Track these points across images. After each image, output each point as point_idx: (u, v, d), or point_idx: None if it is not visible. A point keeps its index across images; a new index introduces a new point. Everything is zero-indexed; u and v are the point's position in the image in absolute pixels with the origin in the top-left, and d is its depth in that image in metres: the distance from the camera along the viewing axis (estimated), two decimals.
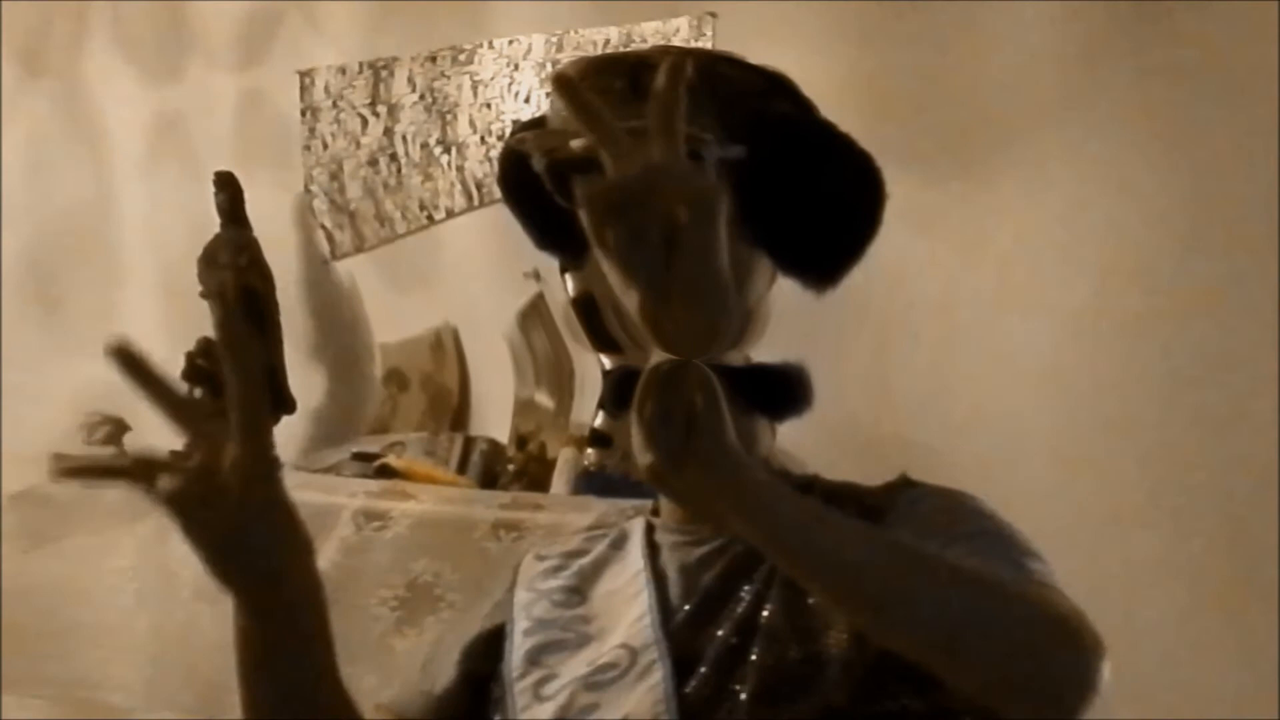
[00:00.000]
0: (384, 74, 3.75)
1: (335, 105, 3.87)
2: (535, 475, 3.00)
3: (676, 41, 3.03)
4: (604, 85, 1.26)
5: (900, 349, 2.56)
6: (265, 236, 3.68)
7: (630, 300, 1.03)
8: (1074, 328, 2.37)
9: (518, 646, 1.36)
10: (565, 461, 2.93)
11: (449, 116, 3.59)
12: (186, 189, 4.00)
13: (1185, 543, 2.21)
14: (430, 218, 3.61)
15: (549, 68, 3.30)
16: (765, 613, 1.26)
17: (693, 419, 1.05)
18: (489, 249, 3.33)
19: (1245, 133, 2.22)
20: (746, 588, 1.29)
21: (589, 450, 2.68)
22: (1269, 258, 2.17)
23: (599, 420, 2.44)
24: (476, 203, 3.47)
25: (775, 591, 1.27)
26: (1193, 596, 2.21)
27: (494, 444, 3.20)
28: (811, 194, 1.32)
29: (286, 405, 3.48)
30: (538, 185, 1.29)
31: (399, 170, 3.69)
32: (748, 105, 1.31)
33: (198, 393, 3.31)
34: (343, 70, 3.84)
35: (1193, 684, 2.14)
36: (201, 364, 3.44)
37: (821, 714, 1.21)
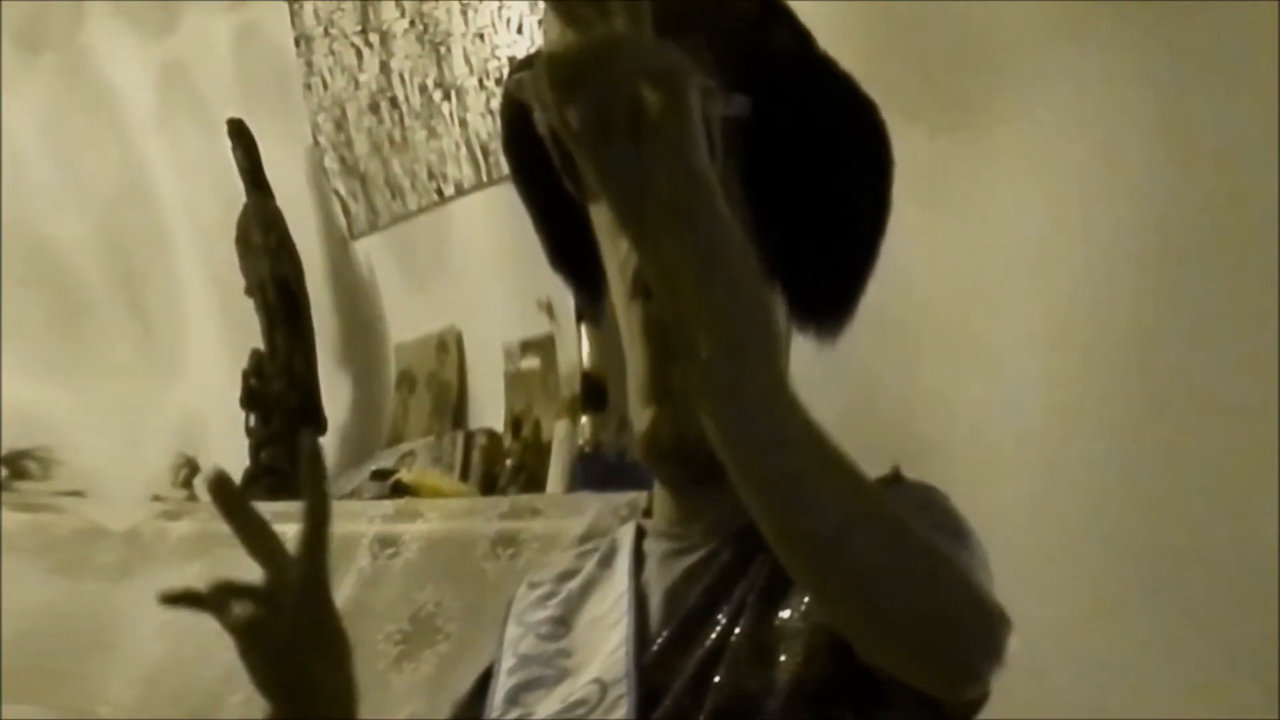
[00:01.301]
0: None
1: (327, 33, 3.73)
2: (533, 469, 3.04)
3: None
4: (592, 14, 1.07)
5: (902, 342, 2.40)
6: (282, 195, 3.69)
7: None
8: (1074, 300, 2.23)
9: (500, 686, 1.38)
10: (561, 442, 2.94)
11: (443, 50, 3.39)
12: (204, 141, 3.97)
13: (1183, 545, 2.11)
14: (440, 191, 3.46)
15: None
16: (735, 633, 1.24)
17: (639, 121, 0.94)
18: (501, 240, 3.18)
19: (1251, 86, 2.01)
20: (725, 608, 1.26)
21: (584, 421, 2.76)
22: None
23: (586, 361, 2.14)
24: (485, 175, 3.30)
25: (748, 613, 1.24)
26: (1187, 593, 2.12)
27: (491, 436, 3.23)
28: (820, 173, 1.26)
29: (321, 426, 3.54)
30: (546, 162, 1.22)
31: (402, 121, 3.54)
32: (746, 39, 1.25)
33: (254, 420, 3.56)
34: None
35: (1194, 679, 2.06)
36: (254, 384, 3.56)
37: None
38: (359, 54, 3.65)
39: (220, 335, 4.01)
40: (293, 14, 3.82)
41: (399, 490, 3.09)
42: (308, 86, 3.82)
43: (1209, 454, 2.06)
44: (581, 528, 2.54)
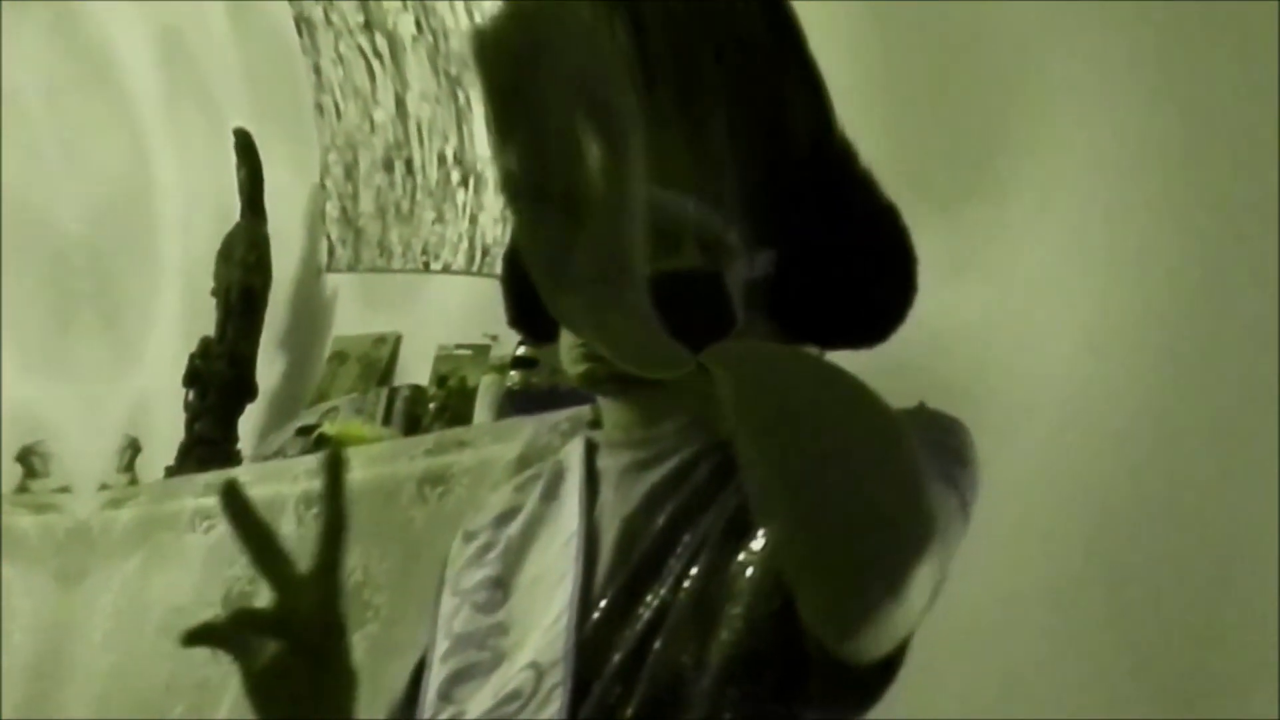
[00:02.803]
0: None
1: (329, 22, 3.63)
2: (457, 409, 2.95)
3: None
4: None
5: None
6: (276, 222, 3.72)
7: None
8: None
9: (434, 679, 1.31)
10: (486, 387, 2.85)
11: (460, 94, 3.33)
12: (208, 134, 3.97)
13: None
14: (427, 265, 3.45)
15: None
16: (686, 583, 1.20)
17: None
18: (467, 314, 3.21)
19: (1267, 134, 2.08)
20: (685, 543, 1.22)
21: (512, 373, 2.54)
22: None
23: (522, 350, 2.27)
24: (476, 269, 3.29)
25: (707, 553, 1.20)
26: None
27: (416, 388, 3.19)
28: (844, 281, 1.27)
29: (251, 394, 3.64)
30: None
31: (414, 194, 3.48)
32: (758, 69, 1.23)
33: (192, 395, 3.59)
34: None
35: (1196, 674, 2.03)
36: (199, 364, 3.60)
37: None
38: (370, 74, 3.58)
39: (179, 330, 3.98)
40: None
41: (322, 444, 3.02)
42: (318, 107, 3.74)
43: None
44: (516, 451, 2.42)
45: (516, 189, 0.93)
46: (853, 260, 1.27)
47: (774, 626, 1.15)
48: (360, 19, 3.55)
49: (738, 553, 1.19)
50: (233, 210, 3.72)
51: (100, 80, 4.27)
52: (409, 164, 3.51)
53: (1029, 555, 2.11)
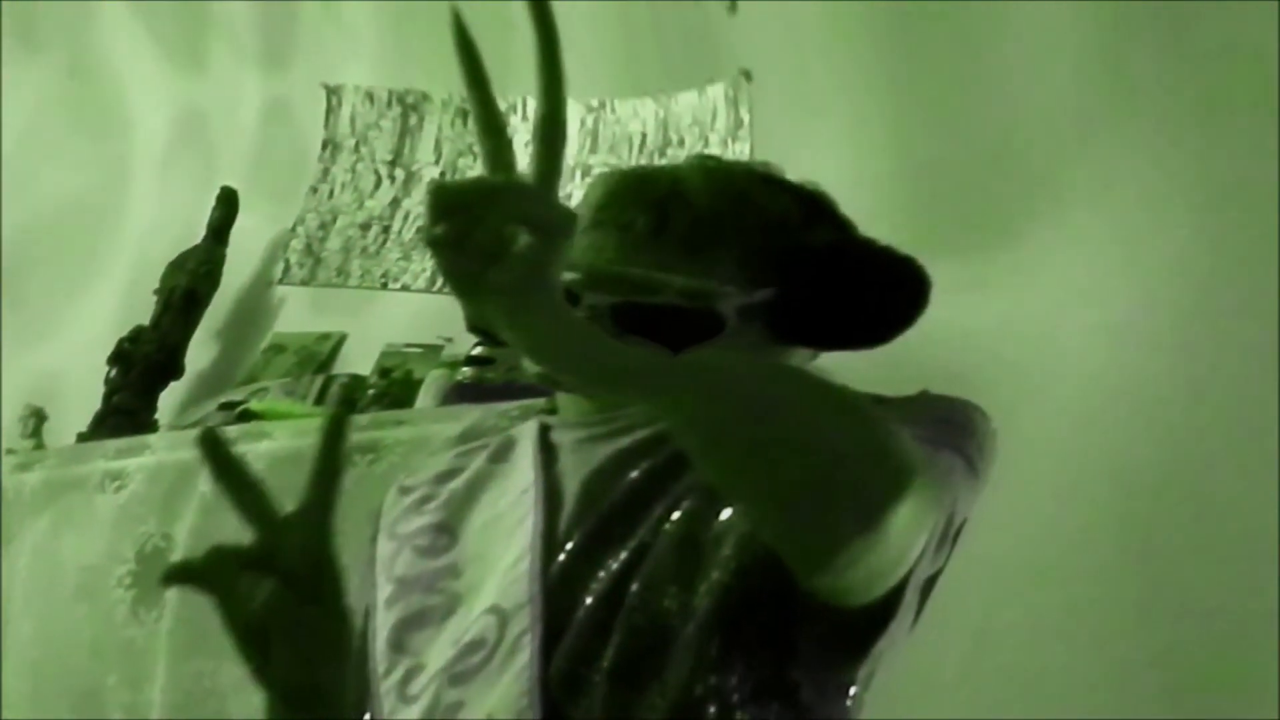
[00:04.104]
0: (412, 116, 3.65)
1: (357, 149, 3.74)
2: (399, 397, 2.80)
3: (715, 136, 2.94)
4: (626, 220, 1.25)
5: None
6: (237, 254, 3.71)
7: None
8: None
9: (381, 627, 1.25)
10: (434, 379, 2.71)
11: None
12: (192, 191, 3.96)
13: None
14: (385, 285, 3.50)
15: (583, 163, 3.19)
16: (668, 526, 1.17)
17: (499, 248, 0.97)
18: (421, 323, 3.18)
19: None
20: (661, 501, 1.20)
21: (465, 369, 2.47)
22: None
23: (478, 350, 2.28)
24: (436, 290, 3.29)
25: (689, 502, 1.19)
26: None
27: (354, 376, 3.07)
28: (841, 313, 1.29)
29: (177, 373, 3.53)
30: None
31: (385, 242, 3.58)
32: (782, 238, 1.28)
33: (114, 372, 3.48)
34: (370, 97, 3.70)
35: (1199, 671, 2.10)
36: (127, 347, 3.52)
37: (672, 706, 1.15)
38: (377, 182, 3.68)
39: (112, 320, 3.87)
40: (329, 109, 3.75)
41: (246, 419, 2.93)
42: (314, 190, 3.80)
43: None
44: (458, 429, 2.32)
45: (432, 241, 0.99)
46: (848, 283, 1.28)
47: (766, 569, 1.12)
48: (389, 157, 3.66)
49: (725, 508, 1.17)
50: (196, 239, 3.73)
51: (101, 118, 4.31)
52: (386, 229, 3.59)
53: (1049, 561, 2.10)
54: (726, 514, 1.16)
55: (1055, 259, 2.37)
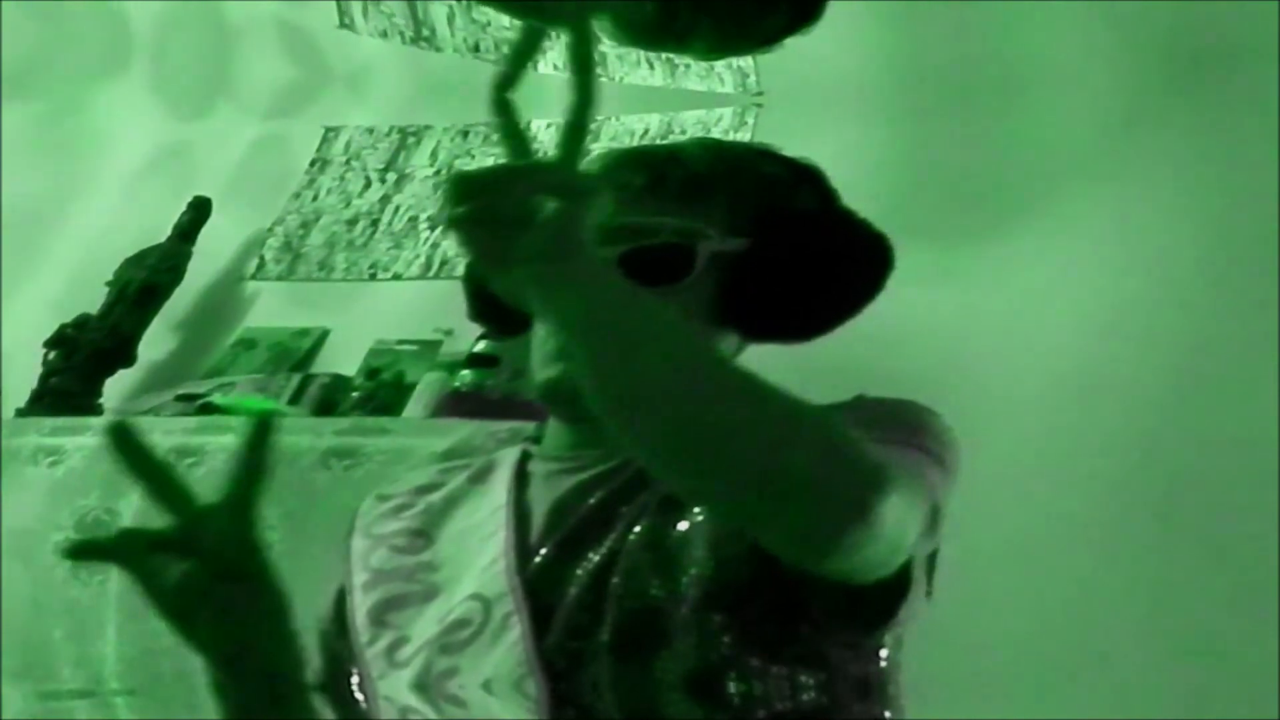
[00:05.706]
0: (411, 141, 3.61)
1: (349, 164, 3.69)
2: (386, 402, 2.68)
3: (717, 132, 3.02)
4: (622, 180, 1.29)
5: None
6: (202, 252, 3.56)
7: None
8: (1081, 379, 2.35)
9: (359, 605, 1.31)
10: (428, 384, 2.61)
11: None
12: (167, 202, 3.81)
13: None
14: (374, 276, 3.40)
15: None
16: (630, 538, 1.21)
17: (526, 217, 1.02)
18: (416, 316, 3.12)
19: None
20: (621, 518, 1.24)
21: (465, 372, 2.47)
22: None
23: (482, 346, 2.28)
24: (432, 275, 3.29)
25: (646, 519, 1.22)
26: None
27: (337, 376, 2.93)
28: (802, 276, 1.31)
29: (127, 362, 3.39)
30: None
31: (372, 235, 3.50)
32: (767, 197, 1.32)
33: (52, 355, 3.34)
34: (370, 131, 3.69)
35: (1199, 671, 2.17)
36: (69, 332, 3.39)
37: (689, 672, 1.18)
38: (367, 184, 3.62)
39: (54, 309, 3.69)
40: (324, 140, 3.73)
41: (207, 412, 2.78)
42: (296, 195, 3.72)
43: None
44: (444, 446, 2.24)
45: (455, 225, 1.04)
46: (818, 248, 1.32)
47: (748, 560, 1.18)
48: (381, 166, 3.63)
49: (682, 516, 1.22)
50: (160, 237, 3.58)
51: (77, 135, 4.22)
52: (375, 223, 3.54)
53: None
54: (683, 526, 1.21)
55: (1052, 252, 2.38)
